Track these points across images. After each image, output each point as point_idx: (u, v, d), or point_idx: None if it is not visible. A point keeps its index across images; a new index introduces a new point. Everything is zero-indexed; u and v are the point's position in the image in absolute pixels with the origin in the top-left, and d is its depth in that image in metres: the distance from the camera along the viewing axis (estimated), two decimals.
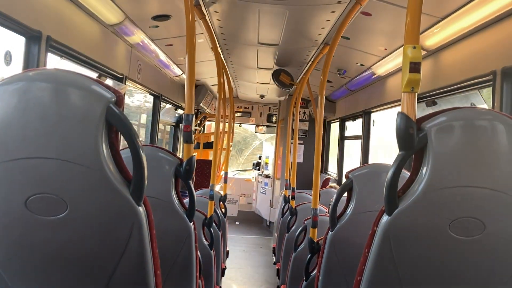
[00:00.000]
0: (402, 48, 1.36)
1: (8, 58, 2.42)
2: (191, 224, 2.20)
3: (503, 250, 1.34)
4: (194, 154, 2.24)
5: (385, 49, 3.90)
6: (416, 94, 1.34)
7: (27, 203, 1.20)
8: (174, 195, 2.16)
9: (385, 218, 1.35)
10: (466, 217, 1.29)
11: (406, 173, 1.42)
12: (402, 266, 1.38)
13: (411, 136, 1.30)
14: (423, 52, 3.34)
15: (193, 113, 2.37)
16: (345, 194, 2.40)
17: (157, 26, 3.88)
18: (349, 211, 2.33)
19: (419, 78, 1.32)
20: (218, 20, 3.71)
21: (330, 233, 2.37)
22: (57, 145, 1.18)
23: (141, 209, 1.29)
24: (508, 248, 1.34)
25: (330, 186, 5.71)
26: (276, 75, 5.51)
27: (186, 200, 2.26)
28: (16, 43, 2.45)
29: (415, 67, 1.31)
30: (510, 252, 1.34)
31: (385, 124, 5.40)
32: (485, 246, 1.32)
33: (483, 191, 1.27)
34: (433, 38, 3.12)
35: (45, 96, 1.19)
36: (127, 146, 1.28)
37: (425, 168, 1.30)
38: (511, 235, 1.32)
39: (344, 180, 2.44)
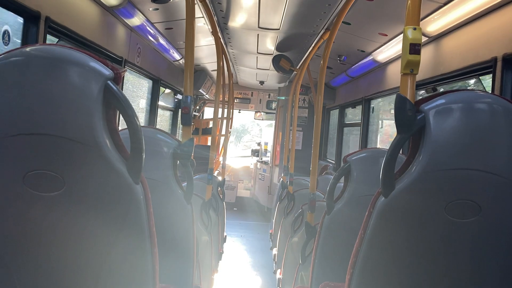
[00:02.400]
0: (403, 33, 1.35)
1: (6, 37, 2.40)
2: (189, 205, 2.20)
3: (498, 233, 1.34)
4: (192, 137, 2.24)
5: (386, 35, 3.87)
6: (415, 76, 1.34)
7: (25, 179, 1.20)
8: (172, 176, 2.16)
9: (381, 199, 1.36)
10: (462, 200, 1.30)
11: (403, 157, 1.42)
12: (398, 248, 1.39)
13: (409, 118, 1.29)
14: (424, 39, 3.31)
15: (192, 95, 2.36)
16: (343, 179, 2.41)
17: (157, 9, 3.84)
18: (346, 195, 2.34)
19: (419, 59, 1.31)
20: (218, 3, 3.68)
21: (326, 216, 2.38)
22: (54, 121, 1.18)
23: (138, 187, 1.29)
24: (503, 231, 1.34)
25: (327, 173, 5.72)
26: (276, 61, 5.48)
27: (184, 185, 2.26)
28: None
29: (415, 49, 1.31)
30: (505, 235, 1.35)
31: None
32: (481, 229, 1.33)
33: (480, 174, 1.28)
34: (434, 24, 3.09)
35: (42, 72, 1.18)
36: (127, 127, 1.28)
37: (422, 150, 1.30)
38: (506, 219, 1.33)
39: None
